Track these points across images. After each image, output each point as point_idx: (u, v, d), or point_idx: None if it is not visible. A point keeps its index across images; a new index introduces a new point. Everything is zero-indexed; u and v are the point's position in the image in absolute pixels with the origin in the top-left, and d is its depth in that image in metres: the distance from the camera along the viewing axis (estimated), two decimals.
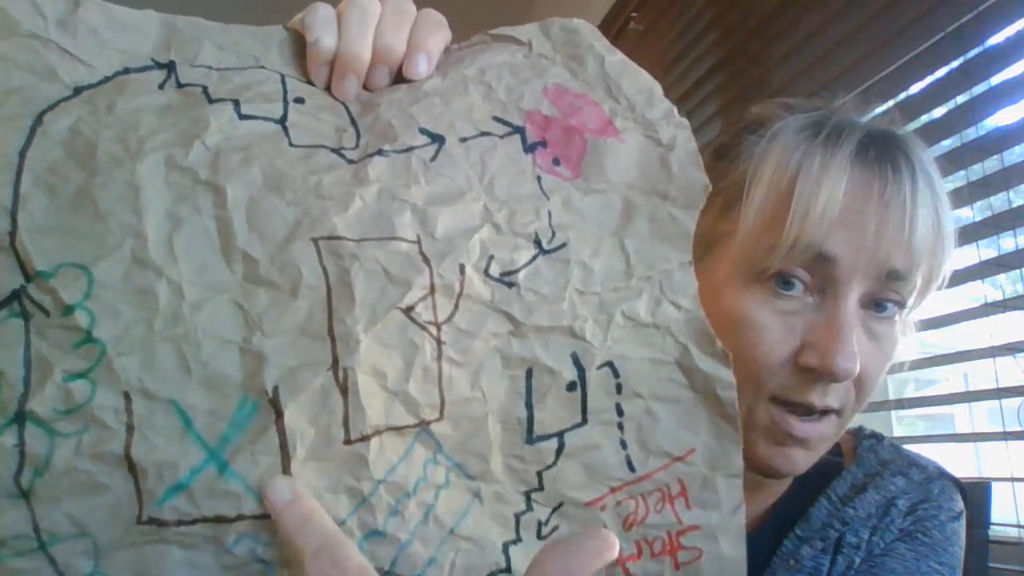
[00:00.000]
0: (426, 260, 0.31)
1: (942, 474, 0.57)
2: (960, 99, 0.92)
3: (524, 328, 0.32)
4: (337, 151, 0.33)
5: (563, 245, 0.34)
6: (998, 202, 0.89)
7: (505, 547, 0.32)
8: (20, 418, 0.27)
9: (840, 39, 1.04)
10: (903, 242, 0.45)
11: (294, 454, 0.28)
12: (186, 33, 0.34)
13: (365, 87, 0.36)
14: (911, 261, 0.46)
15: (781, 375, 0.46)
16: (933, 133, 0.92)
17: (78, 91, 0.31)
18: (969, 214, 0.90)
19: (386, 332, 0.30)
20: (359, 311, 0.29)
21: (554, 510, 0.33)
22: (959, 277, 0.86)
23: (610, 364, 0.33)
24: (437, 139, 0.34)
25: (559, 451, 0.33)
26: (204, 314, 0.29)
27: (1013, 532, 0.84)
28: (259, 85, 0.33)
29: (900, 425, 1.18)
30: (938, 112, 0.95)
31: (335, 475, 0.29)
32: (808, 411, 0.46)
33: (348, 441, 0.29)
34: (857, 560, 0.53)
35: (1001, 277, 0.91)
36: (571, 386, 0.33)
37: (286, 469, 0.28)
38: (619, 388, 0.33)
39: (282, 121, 0.33)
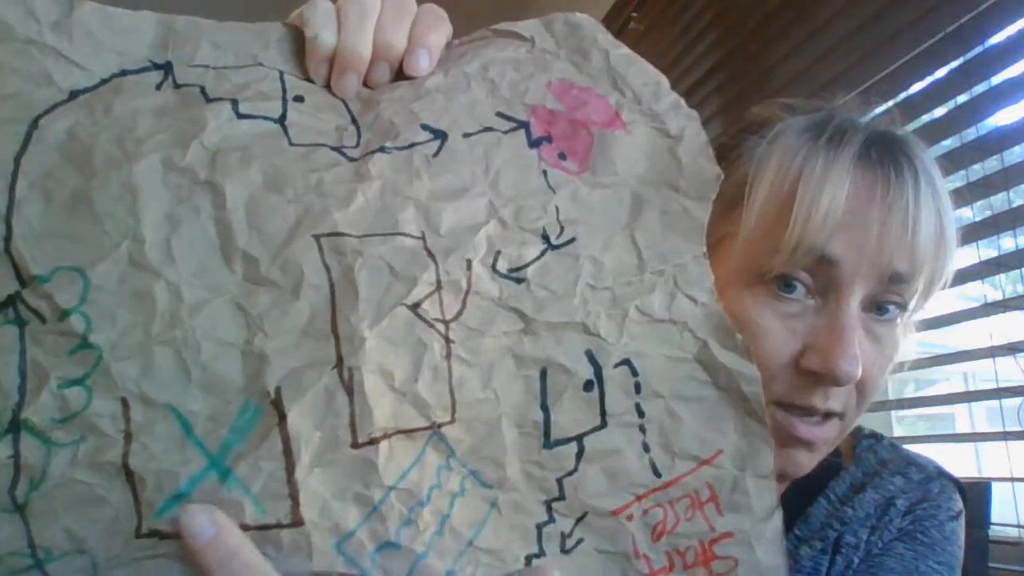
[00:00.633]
0: (431, 256, 0.30)
1: (941, 474, 0.57)
2: (960, 99, 0.92)
3: (535, 325, 0.31)
4: (338, 149, 0.32)
5: (572, 240, 0.33)
6: (998, 202, 0.89)
7: (528, 561, 0.31)
8: (15, 428, 0.26)
9: (840, 39, 1.04)
10: (906, 245, 0.45)
11: (299, 460, 0.27)
12: (183, 33, 0.33)
13: (365, 84, 0.35)
14: (914, 264, 0.46)
15: (783, 378, 0.45)
16: (933, 133, 0.92)
17: (74, 95, 0.30)
18: (969, 214, 0.90)
19: (392, 330, 0.29)
20: (363, 308, 0.29)
21: (578, 521, 0.31)
22: (959, 277, 0.86)
23: (627, 362, 0.32)
24: (440, 135, 0.33)
25: (579, 456, 0.31)
26: (203, 316, 0.28)
27: (1013, 532, 0.85)
28: (257, 83, 0.33)
29: (900, 425, 1.18)
30: (938, 112, 0.95)
31: (343, 482, 0.28)
32: (810, 413, 0.46)
33: (356, 444, 0.28)
34: (856, 560, 0.53)
35: (1001, 277, 0.91)
36: (588, 385, 0.32)
37: (291, 475, 0.27)
38: (638, 387, 0.32)
39: (281, 120, 0.32)
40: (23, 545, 0.26)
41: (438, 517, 0.29)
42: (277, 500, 0.27)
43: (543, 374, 0.31)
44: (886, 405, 1.08)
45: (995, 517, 0.76)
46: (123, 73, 0.32)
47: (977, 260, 0.90)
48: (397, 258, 0.30)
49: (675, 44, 1.43)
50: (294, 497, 0.27)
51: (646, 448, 0.32)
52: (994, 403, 0.91)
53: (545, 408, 0.31)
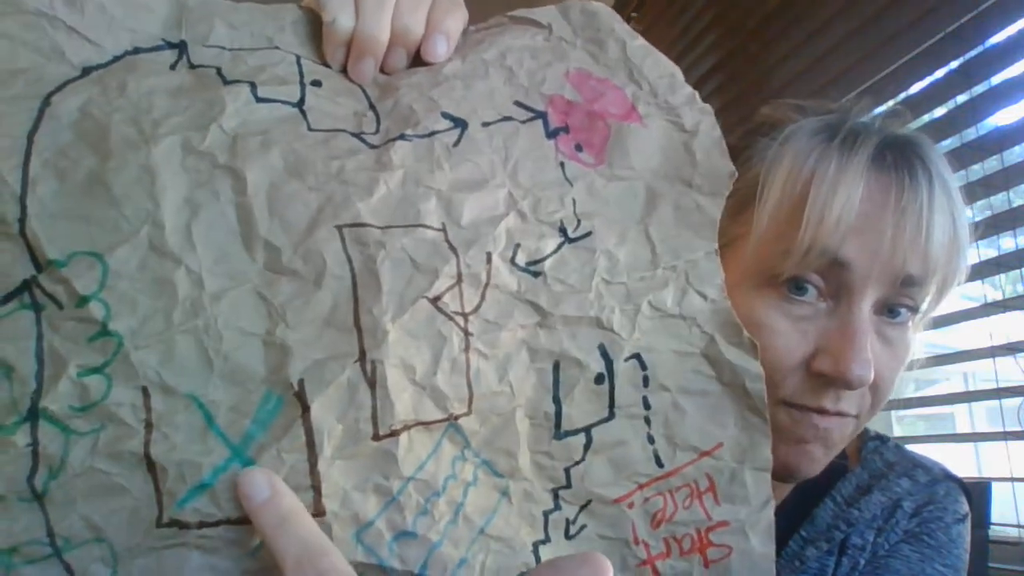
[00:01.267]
0: (452, 248, 0.30)
1: (947, 476, 0.57)
2: (960, 99, 0.92)
3: (551, 319, 0.32)
4: (357, 135, 0.32)
5: (588, 233, 0.33)
6: (998, 202, 0.89)
7: (535, 547, 0.31)
8: (33, 416, 0.26)
9: (840, 39, 1.04)
10: (919, 249, 0.45)
11: (321, 452, 0.27)
12: (196, 11, 0.33)
13: (382, 70, 0.35)
14: (927, 268, 0.45)
15: (793, 380, 0.45)
16: (933, 133, 0.92)
17: (86, 71, 0.30)
18: (969, 214, 0.90)
19: (414, 323, 0.29)
20: (386, 301, 0.28)
21: (582, 508, 0.32)
22: None
23: (637, 356, 0.33)
24: (460, 123, 0.33)
25: (587, 447, 0.32)
26: (225, 305, 0.27)
27: (1013, 532, 0.85)
28: (274, 67, 0.32)
29: (900, 425, 1.18)
30: (938, 112, 0.96)
31: (364, 473, 0.28)
32: (821, 415, 0.46)
33: (376, 437, 0.28)
34: (862, 562, 0.53)
35: (1001, 277, 0.92)
36: (599, 379, 0.32)
37: (313, 467, 0.27)
38: (646, 381, 0.33)
39: (300, 104, 0.32)
40: (42, 534, 0.26)
41: (453, 506, 0.30)
42: (300, 491, 0.27)
43: (556, 367, 0.32)
44: (886, 405, 1.08)
45: (995, 517, 0.77)
46: (136, 51, 0.31)
47: (977, 260, 0.90)
48: (419, 250, 0.29)
49: (675, 44, 1.43)
50: (316, 488, 0.27)
51: (650, 439, 0.33)
52: (994, 403, 0.92)
53: (557, 400, 0.32)
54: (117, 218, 0.27)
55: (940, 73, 0.94)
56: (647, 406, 0.33)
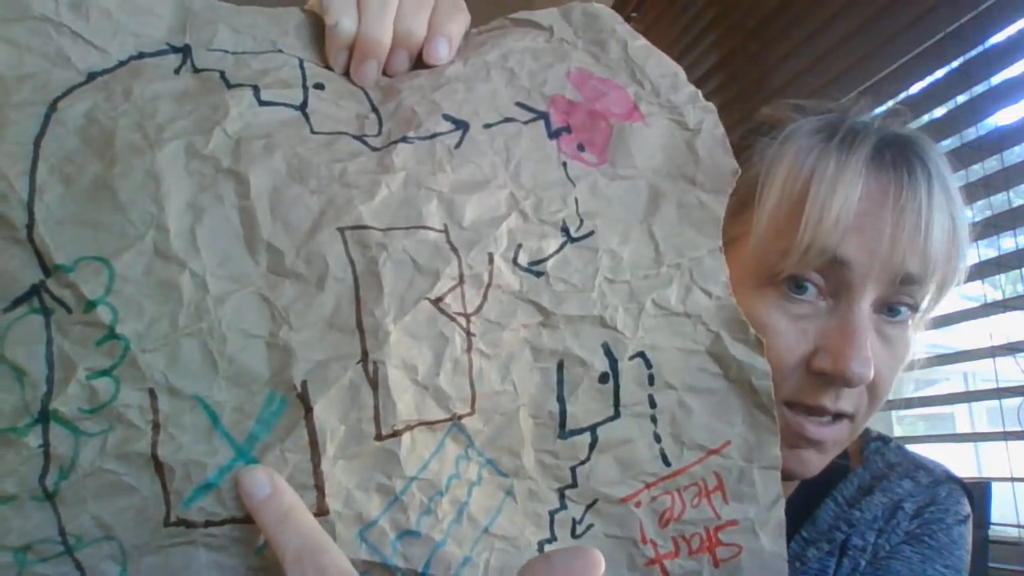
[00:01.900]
0: (454, 250, 0.30)
1: (949, 477, 0.57)
2: (960, 99, 0.92)
3: (554, 318, 0.32)
4: (359, 138, 0.32)
5: (591, 233, 0.33)
6: (998, 202, 0.89)
7: (540, 546, 0.31)
8: (44, 418, 0.26)
9: (840, 39, 1.04)
10: (918, 247, 0.45)
11: (324, 452, 0.28)
12: (200, 15, 0.33)
13: (384, 72, 0.35)
14: (926, 266, 0.46)
15: (793, 379, 0.45)
16: (933, 133, 0.92)
17: (92, 77, 0.30)
18: (969, 214, 0.90)
19: (416, 324, 0.29)
20: (388, 302, 0.29)
21: (588, 507, 0.32)
22: None
23: (642, 354, 0.33)
24: (461, 125, 0.33)
25: (592, 446, 0.32)
26: (229, 308, 0.28)
27: (1013, 532, 0.85)
28: (277, 70, 0.32)
29: (900, 425, 1.18)
30: (938, 112, 0.96)
31: (366, 473, 0.29)
32: (820, 413, 0.46)
33: (379, 437, 0.28)
34: (863, 563, 0.53)
35: (1001, 277, 0.92)
36: (603, 378, 0.32)
37: (316, 467, 0.28)
38: (651, 379, 0.33)
39: (303, 107, 0.32)
40: (53, 532, 0.27)
41: (456, 505, 0.30)
42: (303, 491, 0.28)
43: (560, 366, 0.32)
44: (886, 405, 1.08)
45: (995, 517, 0.76)
46: (140, 56, 0.31)
47: (977, 260, 0.90)
48: (420, 252, 0.30)
49: (675, 44, 1.43)
50: (319, 488, 0.28)
51: (657, 438, 0.33)
52: (994, 403, 0.92)
53: (561, 400, 0.32)
54: (123, 223, 0.28)
55: (940, 73, 0.94)
56: (653, 404, 0.33)
